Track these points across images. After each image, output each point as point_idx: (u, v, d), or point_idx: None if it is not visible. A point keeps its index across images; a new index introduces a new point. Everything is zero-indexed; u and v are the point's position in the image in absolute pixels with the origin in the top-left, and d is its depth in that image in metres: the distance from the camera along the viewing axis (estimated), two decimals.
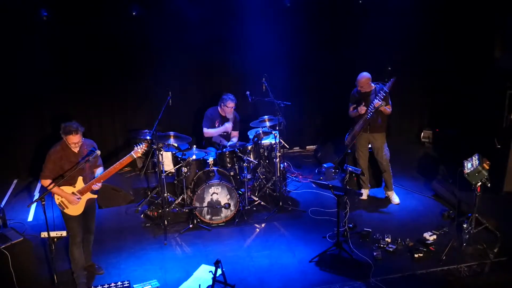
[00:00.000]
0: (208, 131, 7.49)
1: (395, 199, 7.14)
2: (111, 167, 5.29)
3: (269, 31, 8.35)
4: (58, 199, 5.26)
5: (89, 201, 5.45)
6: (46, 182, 5.18)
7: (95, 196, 5.51)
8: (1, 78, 7.73)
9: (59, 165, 5.17)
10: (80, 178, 5.28)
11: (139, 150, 5.36)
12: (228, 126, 7.49)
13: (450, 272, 5.62)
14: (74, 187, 5.27)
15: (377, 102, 6.53)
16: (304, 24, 8.63)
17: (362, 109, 6.72)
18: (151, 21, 7.96)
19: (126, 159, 5.31)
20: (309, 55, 8.85)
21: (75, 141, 5.10)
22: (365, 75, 6.74)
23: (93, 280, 5.65)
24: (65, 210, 5.30)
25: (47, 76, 7.87)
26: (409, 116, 9.65)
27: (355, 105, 6.91)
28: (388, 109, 6.73)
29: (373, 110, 6.60)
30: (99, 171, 5.49)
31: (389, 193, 7.18)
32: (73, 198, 5.23)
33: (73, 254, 5.46)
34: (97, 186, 5.33)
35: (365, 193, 7.35)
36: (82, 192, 5.29)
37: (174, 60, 8.26)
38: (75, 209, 5.33)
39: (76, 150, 5.19)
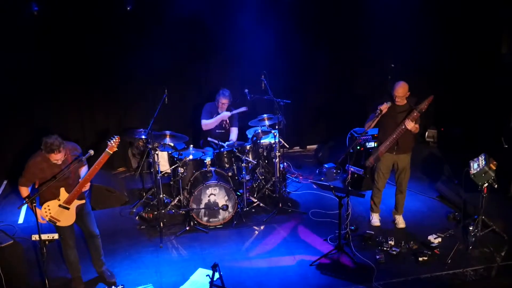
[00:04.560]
0: (206, 122, 7.41)
1: (402, 224, 6.67)
2: (90, 169, 5.07)
3: (269, 27, 8.26)
4: (46, 216, 5.13)
5: (78, 207, 5.29)
6: (24, 189, 5.07)
7: (83, 201, 5.35)
8: None
9: (40, 176, 5.02)
10: (62, 189, 5.11)
11: (113, 145, 5.07)
12: (226, 114, 7.34)
13: (455, 276, 5.58)
14: (59, 199, 5.13)
15: (409, 123, 5.97)
16: (305, 20, 8.55)
17: (384, 106, 6.01)
18: (146, 16, 7.88)
19: (103, 157, 5.03)
20: (310, 52, 8.77)
21: (57, 158, 4.93)
22: (403, 83, 6.00)
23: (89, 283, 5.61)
24: (58, 224, 5.20)
25: (38, 75, 7.79)
26: None
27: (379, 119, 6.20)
28: (417, 128, 6.12)
29: (402, 132, 6.06)
30: (83, 170, 5.32)
31: (398, 216, 6.72)
32: (41, 214, 5.08)
33: (68, 258, 5.39)
34: (85, 187, 5.19)
35: (376, 218, 6.72)
36: (69, 202, 5.15)
37: (170, 57, 8.18)
38: (67, 219, 5.21)
39: (59, 163, 5.01)
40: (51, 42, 7.68)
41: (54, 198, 5.12)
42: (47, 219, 5.16)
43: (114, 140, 5.05)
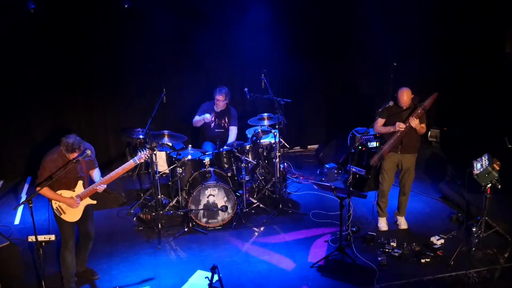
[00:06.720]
0: (194, 120, 7.38)
1: (404, 225, 6.64)
2: (113, 172, 5.25)
3: (269, 25, 8.22)
4: (55, 203, 5.18)
5: (87, 207, 5.36)
6: (45, 191, 5.05)
7: (95, 202, 5.40)
8: None
9: (54, 172, 5.05)
10: (80, 183, 5.21)
11: (142, 156, 5.41)
12: (207, 117, 7.26)
13: (458, 278, 5.57)
14: (74, 191, 5.20)
15: (413, 120, 5.91)
16: (306, 19, 8.50)
17: (400, 125, 5.96)
18: (144, 14, 7.77)
19: (129, 165, 5.36)
20: (310, 50, 8.72)
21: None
22: (406, 90, 5.96)
23: (83, 286, 5.58)
24: (62, 216, 5.22)
25: (34, 74, 7.73)
26: None
27: (385, 120, 6.20)
28: (423, 128, 6.09)
29: (407, 130, 6.02)
30: (95, 173, 5.41)
31: (400, 218, 6.67)
32: (72, 201, 5.14)
33: (65, 259, 5.36)
34: (101, 187, 5.28)
35: (383, 222, 6.60)
36: (82, 197, 5.22)
37: (168, 56, 8.15)
38: (73, 215, 5.25)
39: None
40: (48, 42, 7.63)
41: (70, 189, 5.17)
42: (55, 207, 5.18)
43: (145, 153, 5.42)
